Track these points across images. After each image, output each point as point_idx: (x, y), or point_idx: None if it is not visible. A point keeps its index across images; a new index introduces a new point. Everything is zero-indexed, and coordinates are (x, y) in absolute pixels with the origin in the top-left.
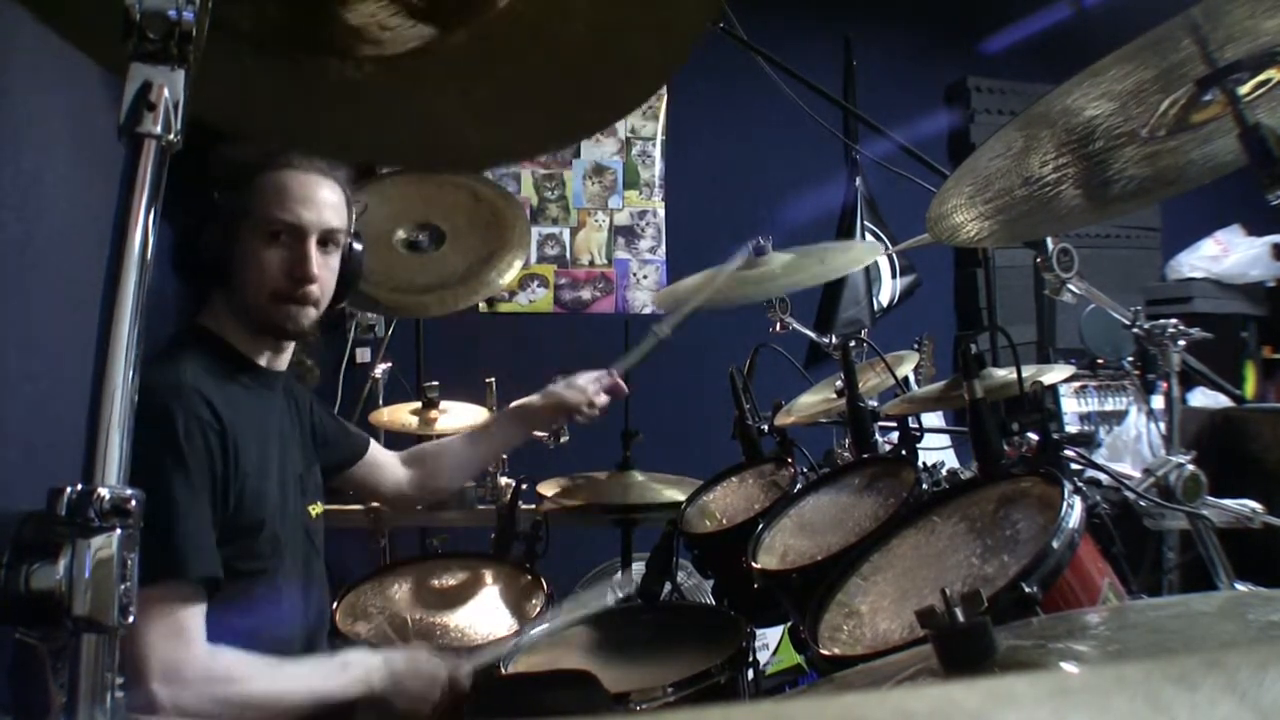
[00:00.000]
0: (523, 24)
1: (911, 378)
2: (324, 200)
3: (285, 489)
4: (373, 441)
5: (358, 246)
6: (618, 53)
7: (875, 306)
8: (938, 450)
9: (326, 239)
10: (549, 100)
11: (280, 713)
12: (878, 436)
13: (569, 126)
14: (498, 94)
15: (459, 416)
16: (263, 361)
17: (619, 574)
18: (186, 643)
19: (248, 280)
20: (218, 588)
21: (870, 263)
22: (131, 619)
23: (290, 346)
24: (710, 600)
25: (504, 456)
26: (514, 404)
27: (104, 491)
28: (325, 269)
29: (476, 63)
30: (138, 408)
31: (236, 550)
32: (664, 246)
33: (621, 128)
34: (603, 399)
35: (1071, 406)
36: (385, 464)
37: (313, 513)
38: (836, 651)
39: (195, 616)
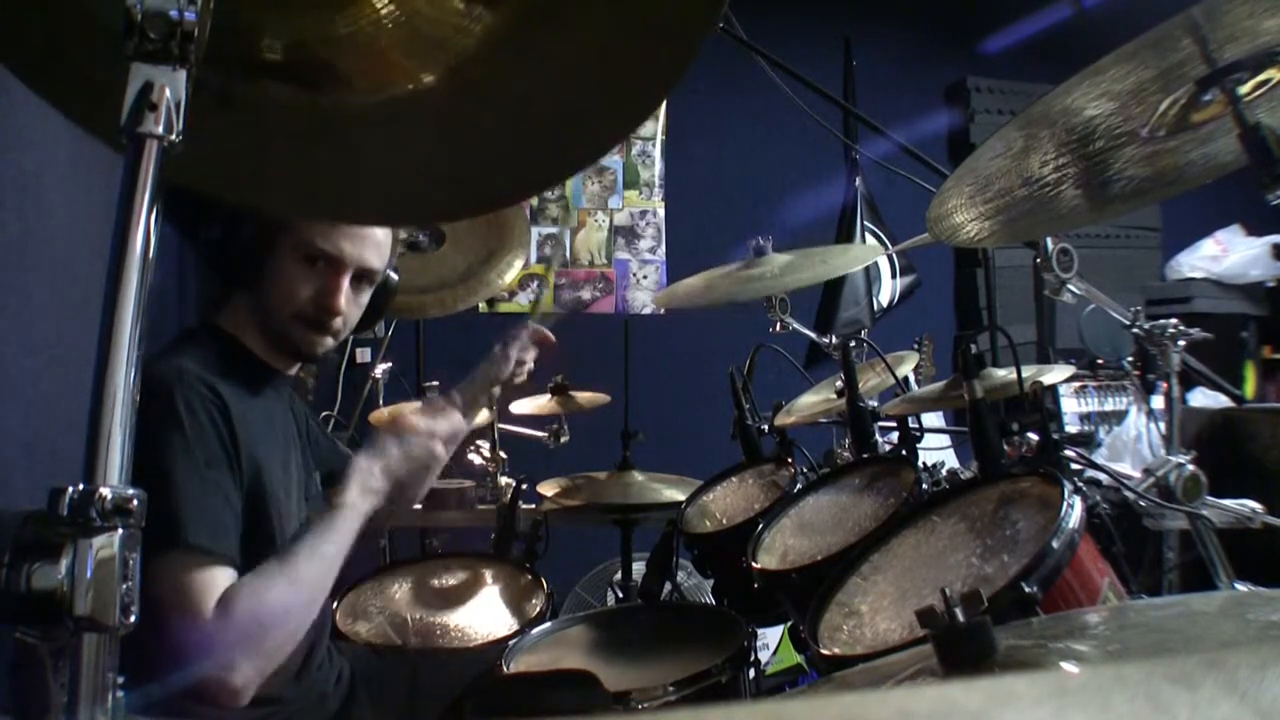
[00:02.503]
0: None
1: (911, 378)
2: (370, 237)
3: (289, 492)
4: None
5: (394, 277)
6: (581, 105)
7: (875, 306)
8: (938, 450)
9: (361, 276)
10: (512, 150)
11: (320, 593)
12: (878, 436)
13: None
14: (463, 147)
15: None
16: (273, 365)
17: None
18: (195, 614)
19: (274, 294)
20: (225, 559)
21: (870, 263)
22: (133, 619)
23: (291, 357)
24: (710, 600)
25: (504, 456)
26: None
27: (105, 491)
28: (353, 304)
29: (447, 112)
30: (141, 397)
31: (246, 550)
32: (664, 246)
33: None
34: (530, 353)
35: (1071, 406)
36: None
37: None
38: (836, 651)
39: (201, 587)
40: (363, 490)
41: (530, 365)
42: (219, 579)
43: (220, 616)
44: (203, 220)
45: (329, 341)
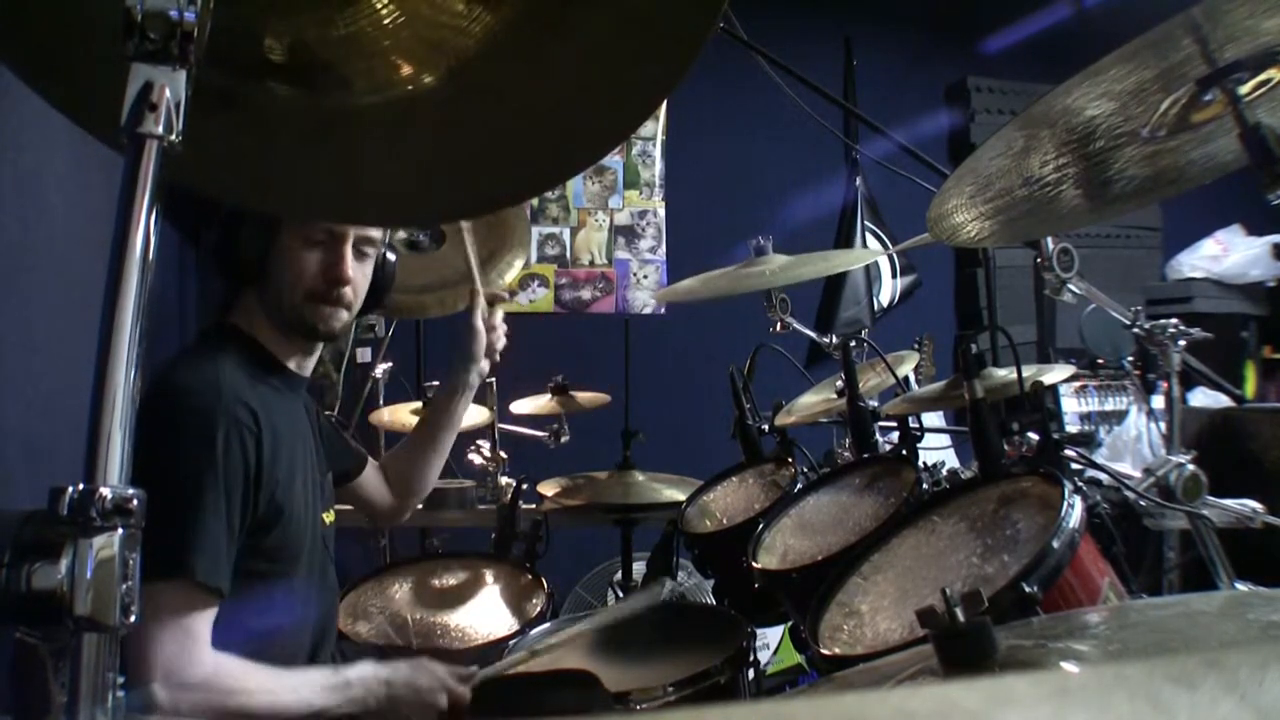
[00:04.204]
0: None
1: (911, 378)
2: None
3: (306, 494)
4: (369, 458)
5: (391, 257)
6: (578, 110)
7: (875, 306)
8: (938, 450)
9: (362, 244)
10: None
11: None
12: (878, 436)
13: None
14: (460, 149)
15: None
16: (291, 365)
17: (665, 584)
18: (193, 647)
19: (284, 280)
20: (222, 598)
21: (870, 262)
22: (134, 619)
23: (316, 351)
24: (710, 600)
25: (504, 456)
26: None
27: (106, 491)
28: (359, 274)
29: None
30: (175, 405)
31: (257, 552)
32: (664, 246)
33: None
34: (497, 316)
35: (1071, 406)
36: (379, 480)
37: (326, 520)
38: (837, 651)
39: (204, 620)
40: (364, 698)
41: (502, 328)
42: (209, 617)
43: (214, 664)
44: (205, 223)
45: (343, 315)
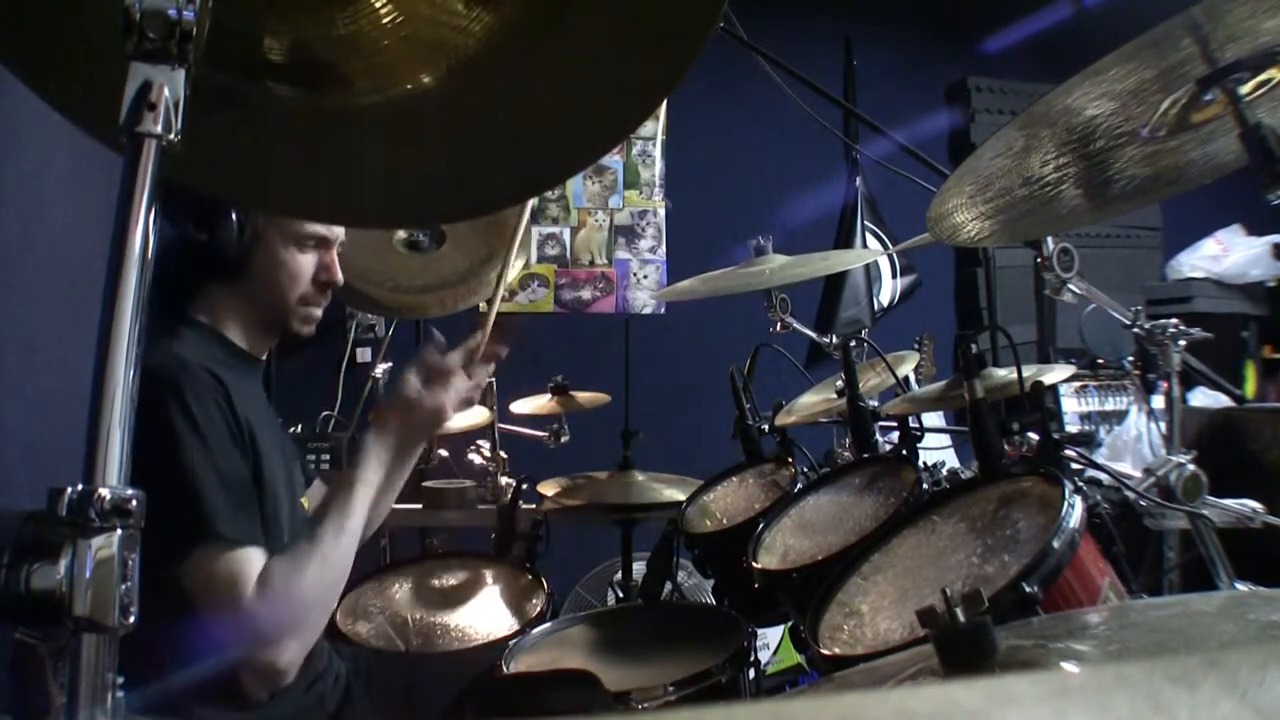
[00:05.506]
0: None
1: (912, 377)
2: None
3: (281, 475)
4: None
5: None
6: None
7: (875, 306)
8: (938, 450)
9: (338, 244)
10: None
11: (346, 570)
12: (878, 436)
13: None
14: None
15: (459, 417)
16: (255, 354)
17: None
18: (235, 599)
19: (274, 282)
20: (258, 545)
21: (870, 262)
22: (133, 619)
23: (276, 338)
24: (710, 600)
25: (504, 456)
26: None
27: (105, 491)
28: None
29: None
30: (142, 390)
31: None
32: (664, 246)
33: None
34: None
35: (1072, 406)
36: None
37: (304, 504)
38: (837, 651)
39: (236, 573)
40: (377, 464)
41: (482, 379)
42: (253, 561)
43: (260, 596)
44: (181, 216)
45: (320, 315)
